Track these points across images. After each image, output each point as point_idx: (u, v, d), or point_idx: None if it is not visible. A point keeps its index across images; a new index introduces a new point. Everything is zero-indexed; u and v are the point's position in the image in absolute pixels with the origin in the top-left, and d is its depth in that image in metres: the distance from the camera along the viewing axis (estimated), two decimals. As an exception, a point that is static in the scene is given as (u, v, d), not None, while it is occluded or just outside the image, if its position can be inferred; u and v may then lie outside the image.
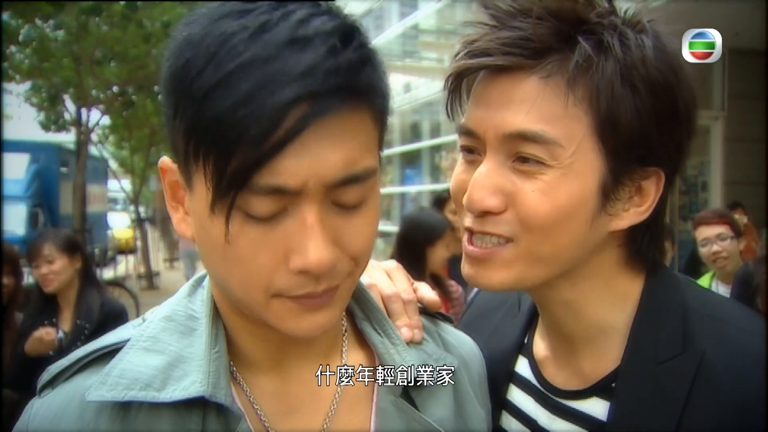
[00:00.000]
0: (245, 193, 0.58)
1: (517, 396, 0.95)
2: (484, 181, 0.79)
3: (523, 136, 0.76)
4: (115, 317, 2.90)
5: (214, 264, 0.66)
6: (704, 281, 3.55)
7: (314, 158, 0.58)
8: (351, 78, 0.58)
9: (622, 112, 0.75)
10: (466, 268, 0.85)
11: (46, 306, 3.00)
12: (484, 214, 0.79)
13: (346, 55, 0.58)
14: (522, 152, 0.76)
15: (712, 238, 3.40)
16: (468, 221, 0.82)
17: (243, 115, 0.55)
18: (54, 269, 2.93)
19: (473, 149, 0.82)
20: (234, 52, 0.57)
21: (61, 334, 2.92)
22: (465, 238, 0.83)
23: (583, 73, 0.75)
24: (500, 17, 0.79)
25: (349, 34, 0.60)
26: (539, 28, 0.76)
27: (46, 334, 2.82)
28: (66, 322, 2.97)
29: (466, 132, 0.82)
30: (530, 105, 0.75)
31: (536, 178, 0.76)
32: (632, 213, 0.81)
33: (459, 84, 0.83)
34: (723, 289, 3.34)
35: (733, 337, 0.79)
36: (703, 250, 3.46)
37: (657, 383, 0.79)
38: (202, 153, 0.58)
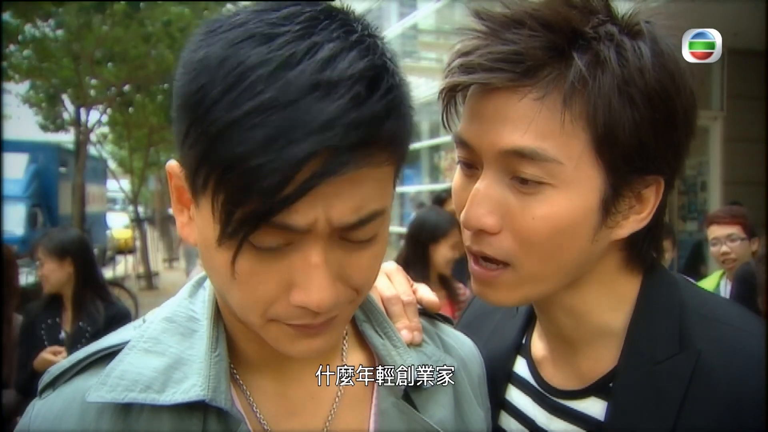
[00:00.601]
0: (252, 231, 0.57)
1: (515, 396, 0.95)
2: (481, 199, 0.78)
3: (521, 154, 0.74)
4: (119, 320, 2.89)
5: (215, 280, 0.66)
6: (713, 279, 3.49)
7: (326, 205, 0.56)
8: (373, 131, 0.55)
9: (620, 126, 0.73)
10: (473, 285, 0.85)
11: (51, 303, 3.01)
12: (480, 233, 0.79)
13: (371, 106, 0.55)
14: (520, 173, 0.75)
15: (722, 239, 3.29)
16: (467, 240, 0.82)
17: (257, 165, 0.53)
18: (44, 272, 2.97)
19: (471, 164, 0.81)
20: (252, 90, 0.53)
21: (63, 334, 2.92)
22: (470, 258, 0.83)
23: (579, 90, 0.73)
24: (493, 28, 0.77)
25: (377, 76, 0.56)
26: (532, 42, 0.74)
27: (53, 354, 2.80)
28: (68, 323, 2.97)
29: (461, 143, 0.81)
30: (527, 123, 0.74)
31: (535, 198, 0.75)
32: (632, 221, 0.80)
33: (453, 96, 0.82)
34: (732, 289, 3.27)
35: (730, 337, 0.79)
36: (713, 250, 3.37)
37: (654, 383, 0.79)
38: (211, 187, 0.56)
